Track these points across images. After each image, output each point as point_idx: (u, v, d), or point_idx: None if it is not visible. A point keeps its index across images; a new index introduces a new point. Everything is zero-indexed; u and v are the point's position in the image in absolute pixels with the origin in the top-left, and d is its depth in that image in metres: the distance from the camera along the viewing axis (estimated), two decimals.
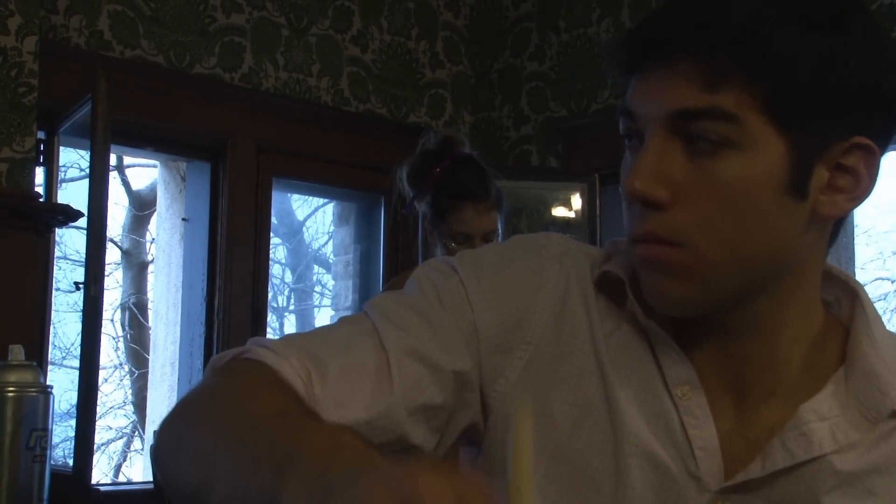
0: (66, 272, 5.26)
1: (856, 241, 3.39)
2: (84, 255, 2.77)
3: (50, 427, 2.43)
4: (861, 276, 4.22)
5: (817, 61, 0.76)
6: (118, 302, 6.59)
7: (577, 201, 3.64)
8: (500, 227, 2.29)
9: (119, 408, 6.65)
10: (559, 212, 3.67)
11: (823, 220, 0.81)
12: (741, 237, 0.78)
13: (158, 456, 0.76)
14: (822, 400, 0.81)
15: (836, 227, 0.85)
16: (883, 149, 0.81)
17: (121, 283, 6.62)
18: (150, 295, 6.30)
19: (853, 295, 0.87)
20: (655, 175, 0.78)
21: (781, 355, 0.83)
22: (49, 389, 2.46)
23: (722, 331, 0.83)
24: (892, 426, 0.82)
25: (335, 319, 0.89)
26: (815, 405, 0.81)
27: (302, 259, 7.14)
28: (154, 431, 3.19)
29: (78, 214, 2.73)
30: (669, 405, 0.82)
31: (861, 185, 0.80)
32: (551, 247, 0.89)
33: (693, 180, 0.77)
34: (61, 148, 3.03)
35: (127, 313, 6.61)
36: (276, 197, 3.85)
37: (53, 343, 5.04)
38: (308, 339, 0.82)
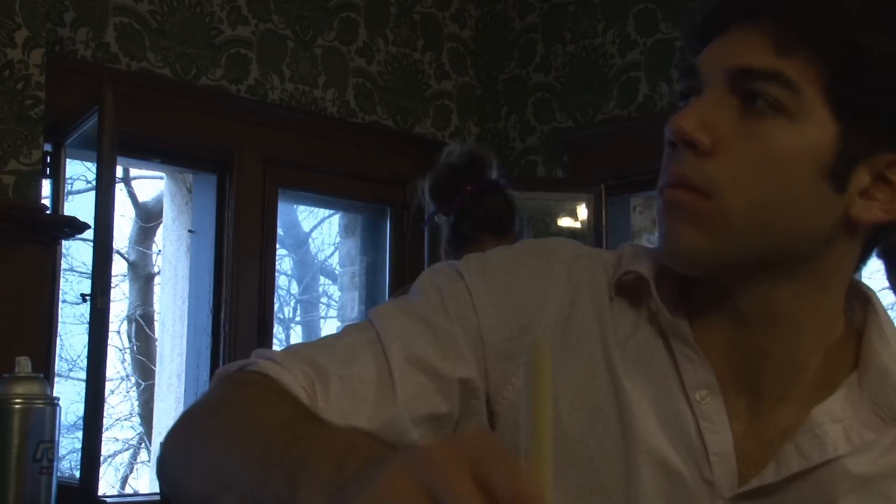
0: (73, 284, 5.27)
1: None
2: (91, 267, 2.77)
3: (57, 439, 2.43)
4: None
5: (890, 63, 0.77)
6: (125, 314, 6.60)
7: (582, 212, 3.64)
8: None
9: (126, 419, 6.65)
10: (565, 222, 3.67)
11: (855, 228, 0.81)
12: (771, 203, 0.78)
13: (164, 467, 0.76)
14: (834, 402, 0.81)
15: (869, 247, 0.85)
16: None
17: (127, 294, 6.63)
18: (156, 307, 6.30)
19: (865, 300, 0.86)
20: (703, 121, 0.78)
21: (802, 357, 0.83)
22: (56, 401, 2.46)
23: (740, 321, 0.82)
24: None
25: (341, 330, 0.88)
26: (828, 407, 0.81)
27: (308, 270, 7.15)
28: (160, 443, 3.19)
29: (84, 226, 2.73)
30: (685, 409, 0.82)
31: None
32: (560, 251, 0.88)
33: (739, 136, 0.78)
34: (68, 160, 3.04)
35: (133, 325, 6.62)
36: (282, 208, 3.85)
37: (60, 355, 5.04)
38: (312, 349, 0.82)
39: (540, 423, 0.50)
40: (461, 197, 2.19)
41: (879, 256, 1.84)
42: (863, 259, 0.85)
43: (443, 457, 0.47)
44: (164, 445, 0.77)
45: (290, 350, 0.82)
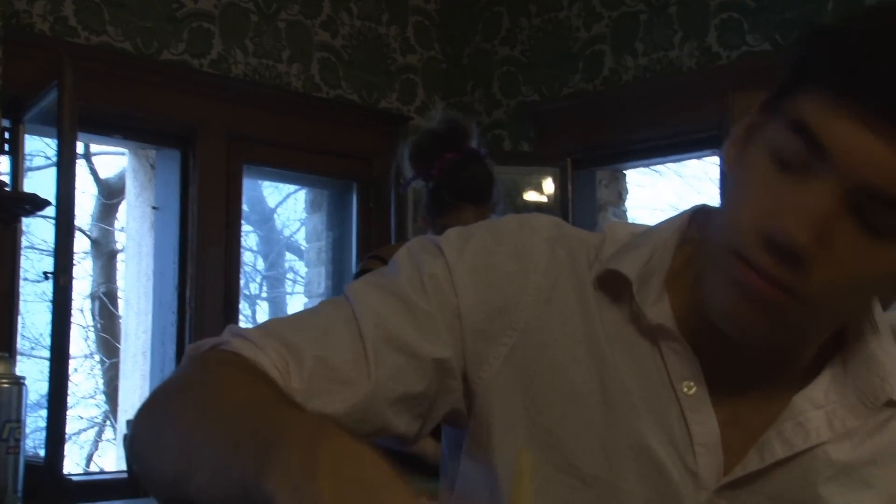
0: (34, 262, 5.20)
1: None
2: (52, 245, 2.74)
3: (23, 418, 2.41)
4: None
5: None
6: (88, 291, 6.53)
7: (549, 185, 3.65)
8: None
9: (90, 398, 6.60)
10: (531, 196, 3.68)
11: None
12: (855, 309, 0.78)
13: (134, 446, 0.75)
14: (816, 388, 0.80)
15: None
16: None
17: (90, 272, 6.56)
18: (120, 284, 6.25)
19: None
20: (821, 234, 0.69)
21: (801, 358, 0.82)
22: (21, 380, 2.43)
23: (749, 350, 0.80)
24: (888, 416, 0.80)
25: (316, 306, 0.87)
26: (809, 394, 0.80)
27: (274, 246, 7.11)
28: (127, 421, 3.17)
29: (45, 203, 2.69)
30: (670, 399, 0.80)
31: None
32: (542, 230, 0.85)
33: (854, 254, 0.70)
34: (27, 136, 2.99)
35: (97, 303, 6.55)
36: (247, 184, 3.82)
37: (22, 333, 4.98)
38: (286, 327, 0.80)
39: None
40: (441, 164, 2.19)
41: None
42: None
43: None
44: (135, 422, 0.76)
45: (264, 327, 0.80)
